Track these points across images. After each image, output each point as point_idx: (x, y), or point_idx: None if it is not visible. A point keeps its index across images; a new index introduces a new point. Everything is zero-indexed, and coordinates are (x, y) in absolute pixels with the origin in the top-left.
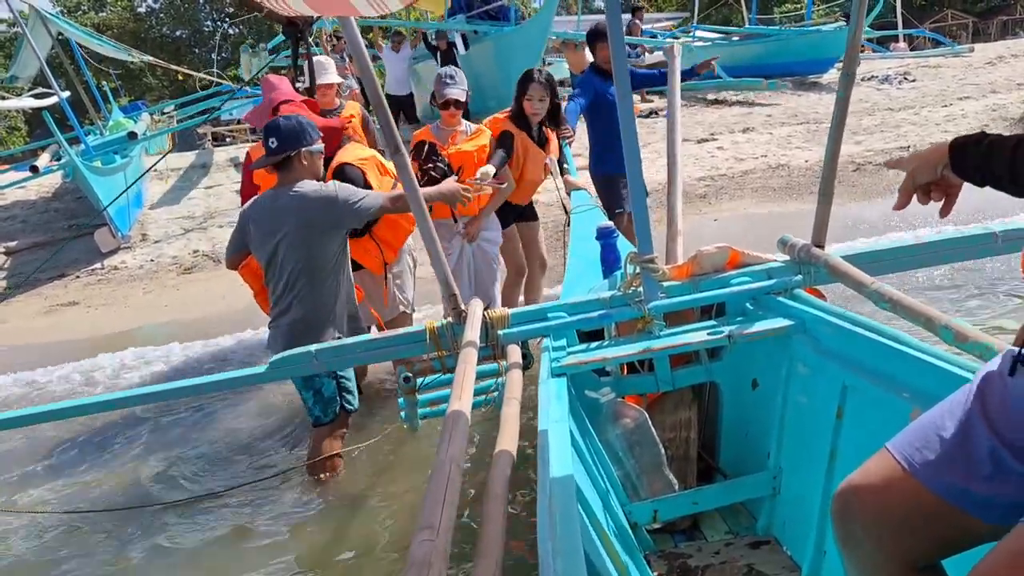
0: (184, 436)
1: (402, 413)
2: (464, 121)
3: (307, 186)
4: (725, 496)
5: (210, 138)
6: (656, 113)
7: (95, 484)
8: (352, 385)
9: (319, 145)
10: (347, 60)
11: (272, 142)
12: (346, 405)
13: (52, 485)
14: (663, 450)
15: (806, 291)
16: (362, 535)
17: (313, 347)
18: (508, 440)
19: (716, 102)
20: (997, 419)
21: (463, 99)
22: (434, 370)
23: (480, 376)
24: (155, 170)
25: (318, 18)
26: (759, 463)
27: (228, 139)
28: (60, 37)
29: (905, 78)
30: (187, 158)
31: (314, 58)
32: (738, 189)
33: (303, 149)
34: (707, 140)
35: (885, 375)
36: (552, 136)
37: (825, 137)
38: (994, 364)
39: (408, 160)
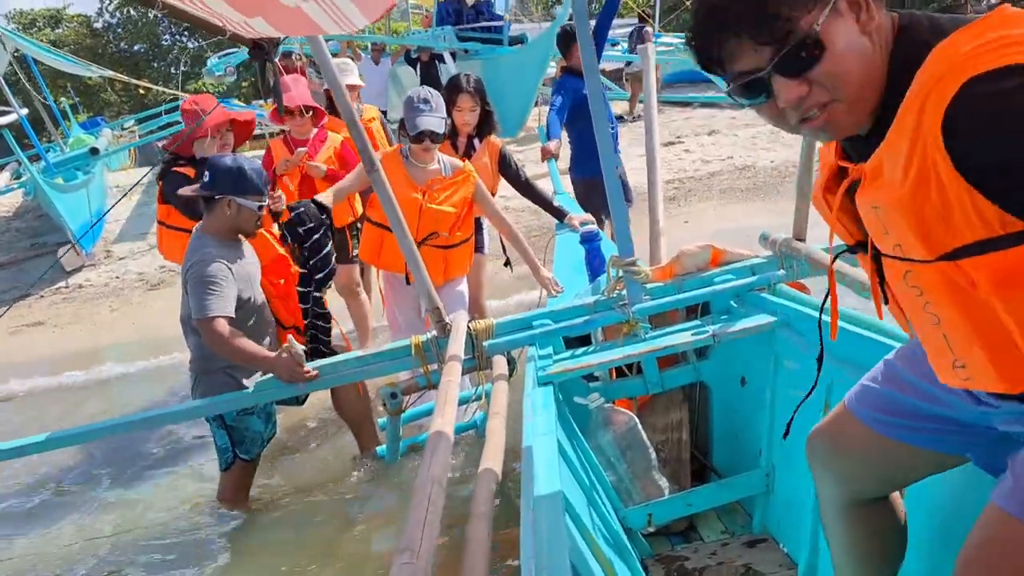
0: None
1: (379, 448)
2: (441, 157)
3: (198, 242)
4: (719, 496)
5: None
6: (622, 118)
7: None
8: (252, 434)
9: (254, 202)
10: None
11: (205, 177)
12: (240, 455)
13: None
14: (654, 453)
15: (790, 286)
16: (341, 560)
17: None
18: (493, 456)
19: (681, 104)
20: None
21: (441, 131)
22: (419, 387)
23: (463, 401)
24: (117, 186)
25: (284, 39)
26: (752, 461)
27: (162, 157)
28: (17, 54)
29: None
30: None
31: (335, 59)
32: (706, 191)
33: (231, 197)
34: (674, 143)
35: (868, 367)
36: (485, 147)
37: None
38: None
39: (384, 176)
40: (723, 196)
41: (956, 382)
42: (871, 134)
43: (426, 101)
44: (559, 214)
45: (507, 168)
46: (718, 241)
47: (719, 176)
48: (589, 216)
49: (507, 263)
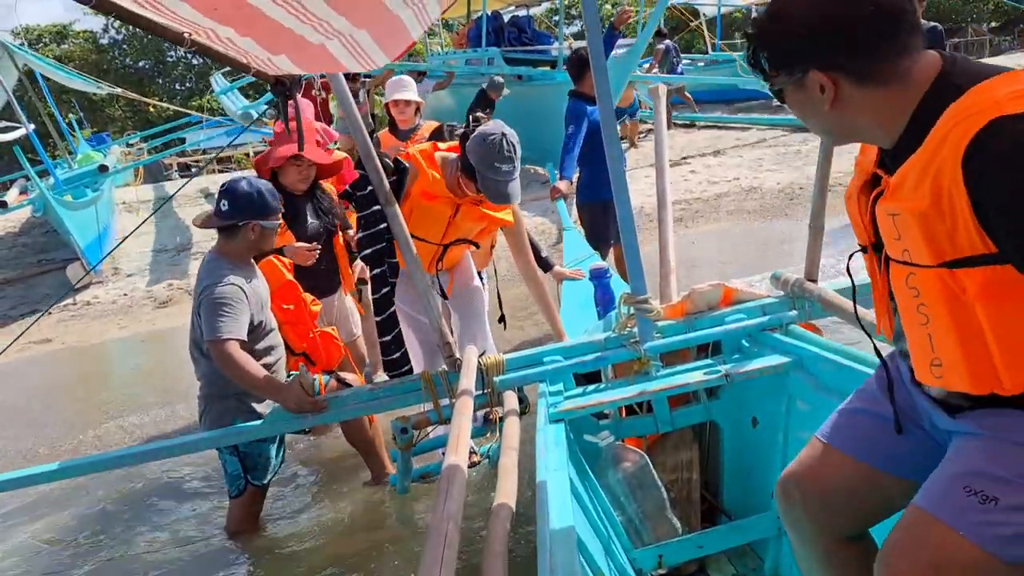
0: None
1: (391, 477)
2: None
3: (214, 264)
4: (730, 538)
5: (176, 169)
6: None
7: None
8: (264, 460)
9: (276, 222)
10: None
11: (223, 204)
12: (252, 481)
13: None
14: (665, 493)
15: (802, 326)
16: None
17: None
18: (507, 493)
19: (685, 125)
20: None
21: (520, 198)
22: (430, 421)
23: (474, 436)
24: (123, 202)
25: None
26: (763, 502)
27: (194, 169)
28: (25, 69)
29: None
30: (154, 190)
31: (394, 77)
32: (713, 212)
33: (255, 222)
34: (679, 164)
35: None
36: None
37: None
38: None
39: (399, 211)
40: (731, 217)
41: (930, 380)
42: (896, 149)
43: (510, 160)
44: (545, 265)
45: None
46: (727, 263)
47: (726, 198)
48: (579, 272)
49: (501, 319)
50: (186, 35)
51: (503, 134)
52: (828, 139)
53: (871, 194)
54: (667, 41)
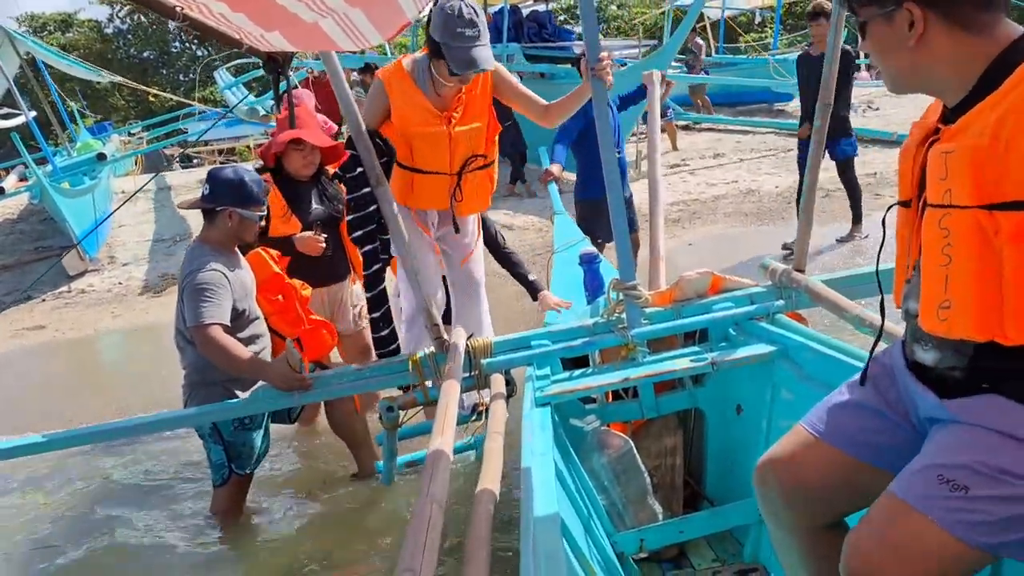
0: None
1: (378, 463)
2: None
3: (196, 251)
4: (712, 524)
5: (178, 159)
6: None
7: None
8: (249, 449)
9: (256, 212)
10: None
11: (205, 188)
12: (236, 470)
13: None
14: (649, 478)
15: (788, 316)
16: None
17: None
18: (491, 476)
19: (685, 128)
20: (879, 383)
21: (492, 64)
22: (417, 402)
23: (462, 422)
24: (122, 191)
25: (296, 54)
26: (745, 489)
27: (196, 161)
28: (27, 56)
29: (869, 107)
30: (155, 180)
31: None
32: (711, 214)
33: (232, 209)
34: (679, 166)
35: None
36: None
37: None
38: (890, 349)
39: (390, 191)
40: (728, 219)
41: (935, 324)
42: (961, 106)
43: (472, 24)
44: (533, 290)
45: (486, 230)
46: (723, 265)
47: (724, 200)
48: (566, 303)
49: None
50: (178, 9)
51: (461, 0)
52: (896, 83)
53: (926, 144)
54: (699, 38)
